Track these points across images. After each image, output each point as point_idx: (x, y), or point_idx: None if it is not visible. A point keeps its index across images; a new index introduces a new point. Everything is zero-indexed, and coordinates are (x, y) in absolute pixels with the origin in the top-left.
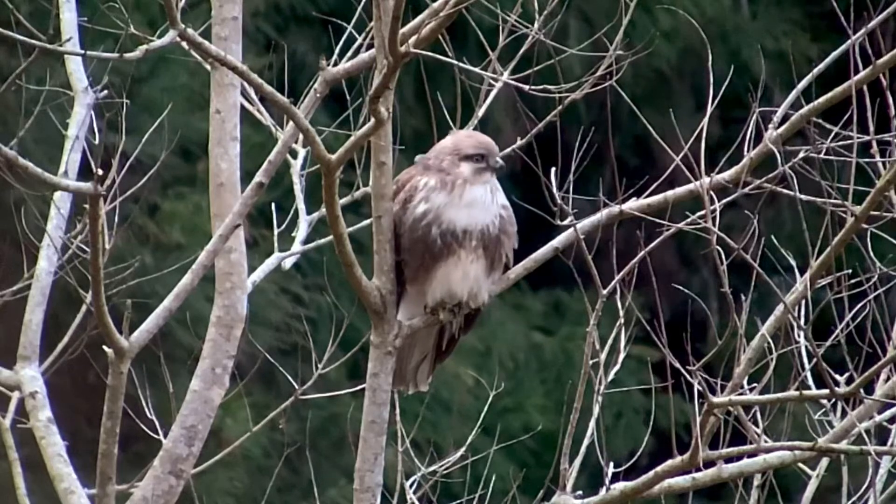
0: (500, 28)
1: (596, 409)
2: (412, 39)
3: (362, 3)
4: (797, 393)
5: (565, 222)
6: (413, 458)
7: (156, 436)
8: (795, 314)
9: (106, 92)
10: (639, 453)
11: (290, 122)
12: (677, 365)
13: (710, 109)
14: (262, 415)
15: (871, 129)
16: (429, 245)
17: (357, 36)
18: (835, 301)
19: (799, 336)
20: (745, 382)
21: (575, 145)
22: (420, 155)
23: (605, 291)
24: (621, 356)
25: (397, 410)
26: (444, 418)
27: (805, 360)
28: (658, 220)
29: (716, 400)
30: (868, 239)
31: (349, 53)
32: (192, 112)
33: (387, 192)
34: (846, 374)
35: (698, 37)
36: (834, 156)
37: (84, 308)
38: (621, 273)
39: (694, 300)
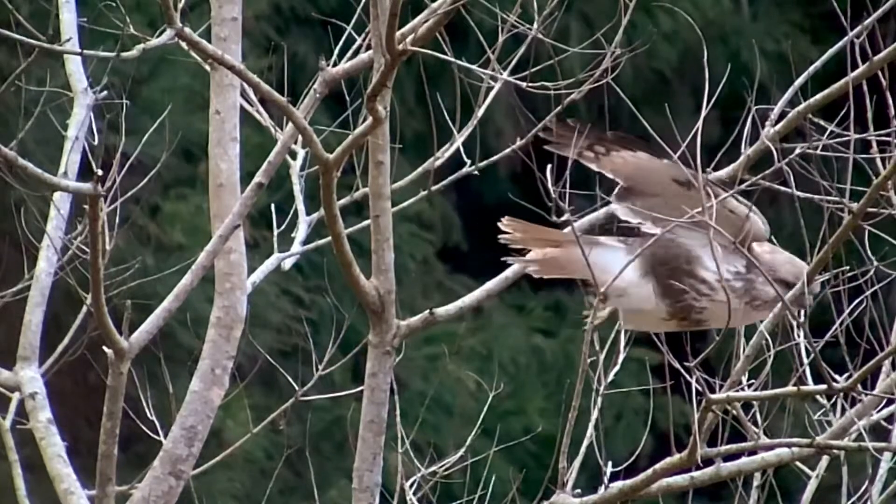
0: (500, 28)
1: (594, 409)
2: (409, 38)
3: (361, 4)
4: (795, 388)
5: (562, 219)
6: (413, 459)
7: (156, 436)
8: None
9: (106, 93)
10: (637, 452)
11: (290, 123)
12: (676, 364)
13: (706, 109)
14: (262, 416)
15: (871, 127)
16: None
17: (356, 37)
18: (833, 299)
19: (799, 335)
20: (744, 380)
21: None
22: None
23: (603, 290)
24: (621, 356)
25: (397, 412)
26: (445, 421)
27: (804, 356)
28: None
29: (714, 396)
30: (868, 240)
31: (349, 54)
32: (192, 113)
33: (385, 191)
34: (846, 374)
35: (699, 38)
36: (832, 153)
37: (84, 309)
38: (620, 271)
39: None
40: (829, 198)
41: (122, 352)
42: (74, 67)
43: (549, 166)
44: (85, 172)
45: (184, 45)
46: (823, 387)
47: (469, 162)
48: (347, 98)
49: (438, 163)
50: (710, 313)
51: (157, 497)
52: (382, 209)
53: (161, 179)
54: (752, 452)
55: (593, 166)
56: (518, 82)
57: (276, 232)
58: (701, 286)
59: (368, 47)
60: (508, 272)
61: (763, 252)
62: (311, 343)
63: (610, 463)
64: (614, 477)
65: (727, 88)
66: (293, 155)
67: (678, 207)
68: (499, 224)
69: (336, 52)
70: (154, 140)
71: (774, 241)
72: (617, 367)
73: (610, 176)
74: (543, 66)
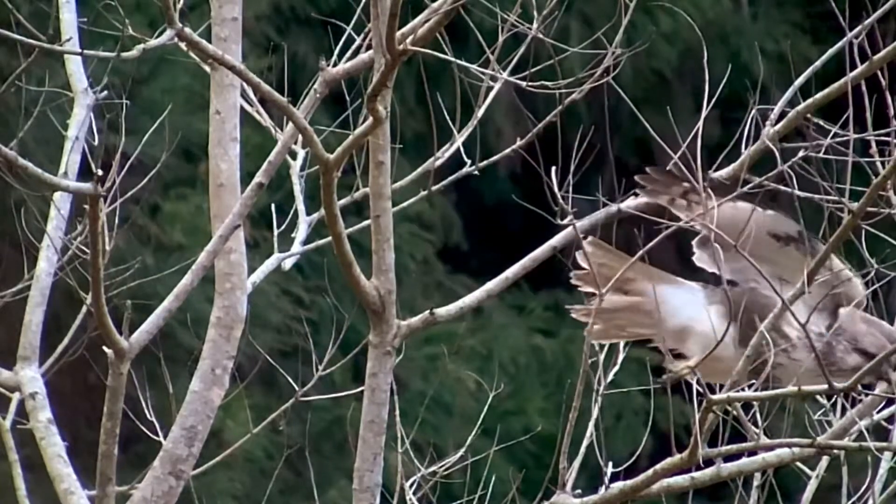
0: (500, 28)
1: (594, 410)
2: (409, 38)
3: (361, 4)
4: (795, 388)
5: (564, 221)
6: (413, 459)
7: (156, 437)
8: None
9: (106, 93)
10: (637, 453)
11: (290, 123)
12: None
13: (706, 109)
14: (262, 416)
15: (870, 127)
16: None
17: (356, 37)
18: None
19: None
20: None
21: (575, 146)
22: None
23: (604, 290)
24: (620, 356)
25: (397, 412)
26: (445, 421)
27: None
28: (657, 219)
29: (714, 397)
30: (868, 240)
31: (349, 54)
32: (192, 113)
33: (385, 191)
34: None
35: (699, 38)
36: (833, 154)
37: (84, 309)
38: (620, 271)
39: None
40: (828, 198)
41: (122, 352)
42: (75, 68)
43: (553, 168)
44: (85, 172)
45: (184, 45)
46: (824, 387)
47: (469, 162)
48: (347, 98)
49: (438, 163)
50: (784, 370)
51: (157, 497)
52: (383, 209)
53: (161, 179)
54: (753, 453)
55: (682, 214)
56: (518, 82)
57: (276, 232)
58: (781, 341)
59: (368, 47)
60: (508, 272)
61: (844, 317)
62: (311, 343)
63: (610, 463)
64: (614, 477)
65: (727, 88)
66: (293, 155)
67: (770, 261)
68: (578, 258)
69: (336, 52)
70: (154, 140)
71: None
72: (617, 367)
73: (698, 227)
74: (543, 66)
